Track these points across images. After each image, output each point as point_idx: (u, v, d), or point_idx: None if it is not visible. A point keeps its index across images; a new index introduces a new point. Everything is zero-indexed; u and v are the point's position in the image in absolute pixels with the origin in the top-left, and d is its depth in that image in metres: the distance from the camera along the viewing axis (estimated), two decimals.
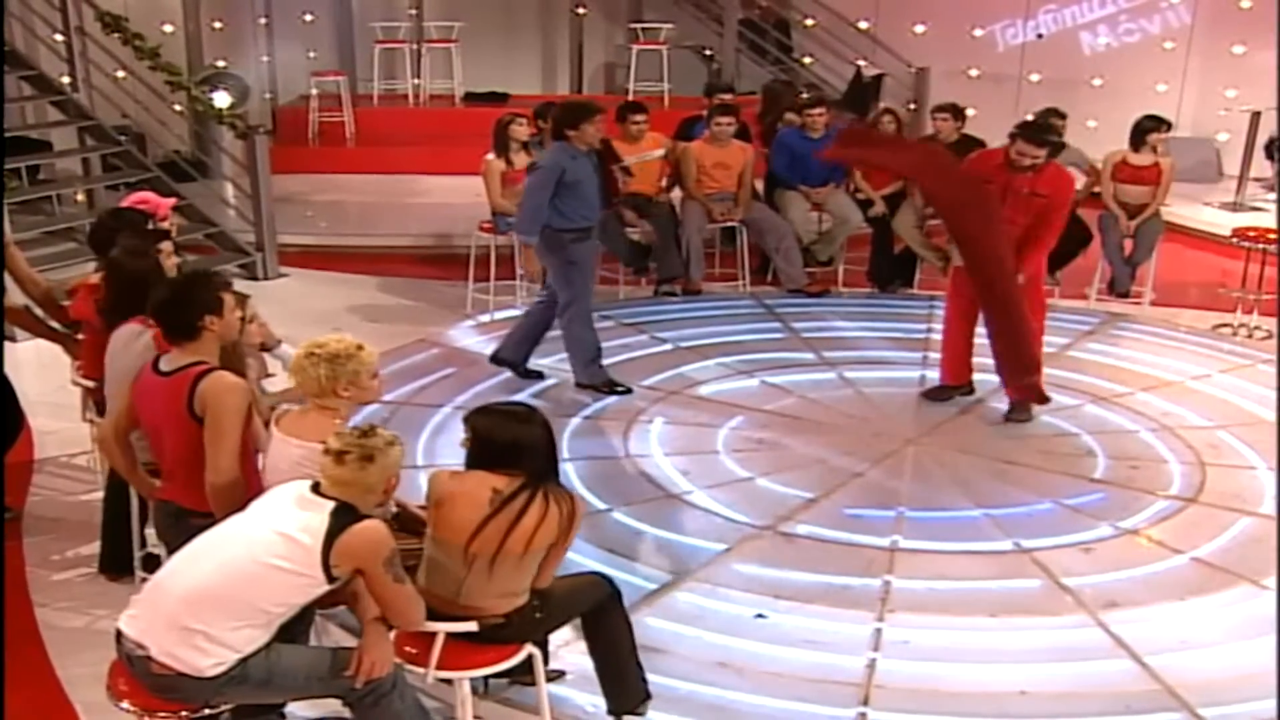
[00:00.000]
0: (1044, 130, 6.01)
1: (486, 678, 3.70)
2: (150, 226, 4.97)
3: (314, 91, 12.01)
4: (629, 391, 6.46)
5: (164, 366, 3.61)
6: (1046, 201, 5.93)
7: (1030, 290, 6.02)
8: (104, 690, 3.27)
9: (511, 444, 3.39)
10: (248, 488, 3.49)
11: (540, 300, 6.57)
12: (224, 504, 3.40)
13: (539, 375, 6.66)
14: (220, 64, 11.77)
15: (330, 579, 3.08)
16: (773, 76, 12.95)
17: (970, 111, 11.99)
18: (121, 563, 4.61)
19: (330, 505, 3.09)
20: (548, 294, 6.48)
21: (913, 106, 12.94)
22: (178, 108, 10.00)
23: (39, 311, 5.22)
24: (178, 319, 3.62)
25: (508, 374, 6.64)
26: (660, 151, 8.06)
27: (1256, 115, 10.64)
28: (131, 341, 4.09)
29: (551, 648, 3.97)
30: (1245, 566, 4.83)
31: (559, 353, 6.94)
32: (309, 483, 3.17)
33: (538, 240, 6.17)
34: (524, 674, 3.63)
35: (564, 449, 5.70)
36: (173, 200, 5.58)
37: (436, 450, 5.64)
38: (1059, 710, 3.96)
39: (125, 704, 3.17)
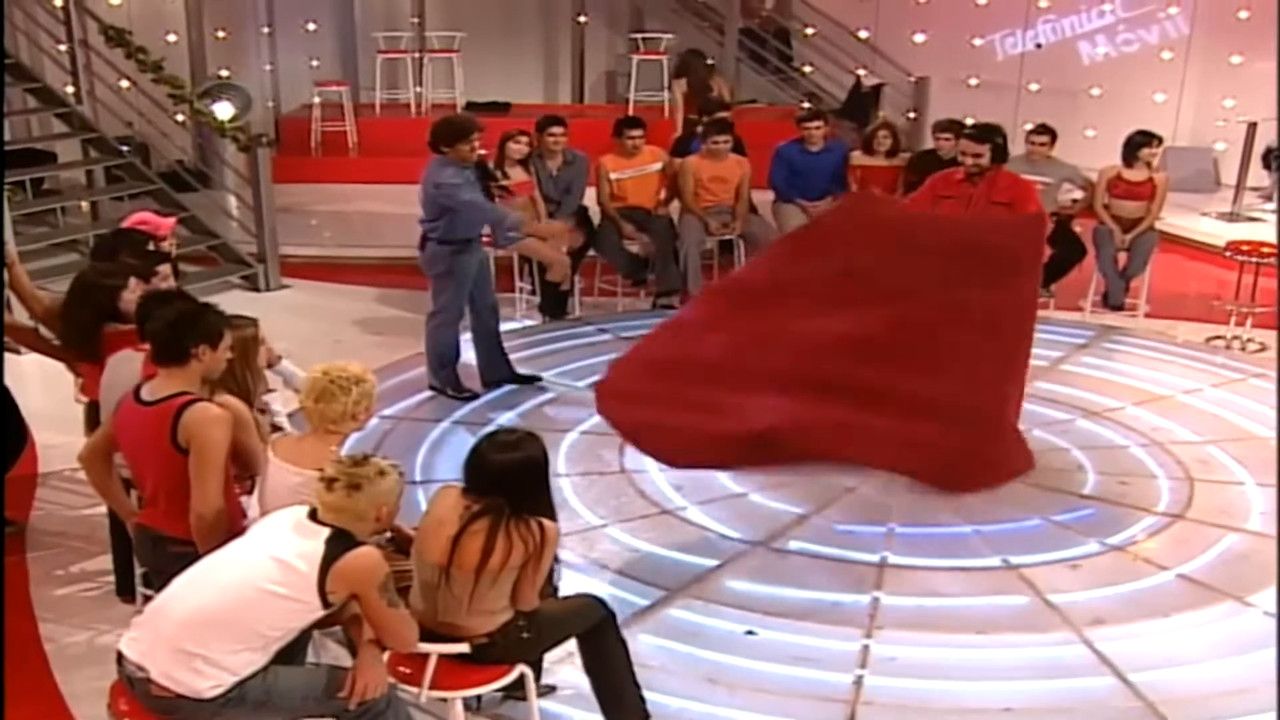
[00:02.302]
0: (986, 129, 6.01)
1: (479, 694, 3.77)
2: (151, 247, 5.05)
3: (316, 100, 12.09)
4: (475, 397, 6.60)
5: (145, 396, 3.64)
6: (1011, 206, 5.93)
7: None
8: (105, 707, 3.34)
9: (492, 470, 3.47)
10: (231, 518, 3.58)
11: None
12: (209, 535, 3.48)
13: (537, 379, 6.80)
14: (223, 73, 11.86)
15: (326, 604, 3.16)
16: (769, 82, 13.10)
17: (969, 120, 12.16)
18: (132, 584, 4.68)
19: (326, 532, 3.17)
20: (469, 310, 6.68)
21: (912, 115, 13.02)
22: (180, 117, 10.07)
23: (43, 329, 5.29)
24: (173, 341, 3.66)
25: (507, 388, 6.75)
26: (657, 165, 8.14)
27: (1253, 126, 10.70)
28: (123, 366, 4.15)
29: (546, 664, 4.04)
30: (1231, 583, 4.89)
31: (558, 366, 7.06)
32: (306, 509, 3.25)
33: (518, 219, 6.58)
34: (517, 690, 3.71)
35: (560, 464, 5.81)
36: (173, 221, 5.65)
37: (434, 466, 5.73)
38: None
39: None
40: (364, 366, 3.75)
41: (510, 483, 3.44)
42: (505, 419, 6.37)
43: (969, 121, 11.93)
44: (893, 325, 5.05)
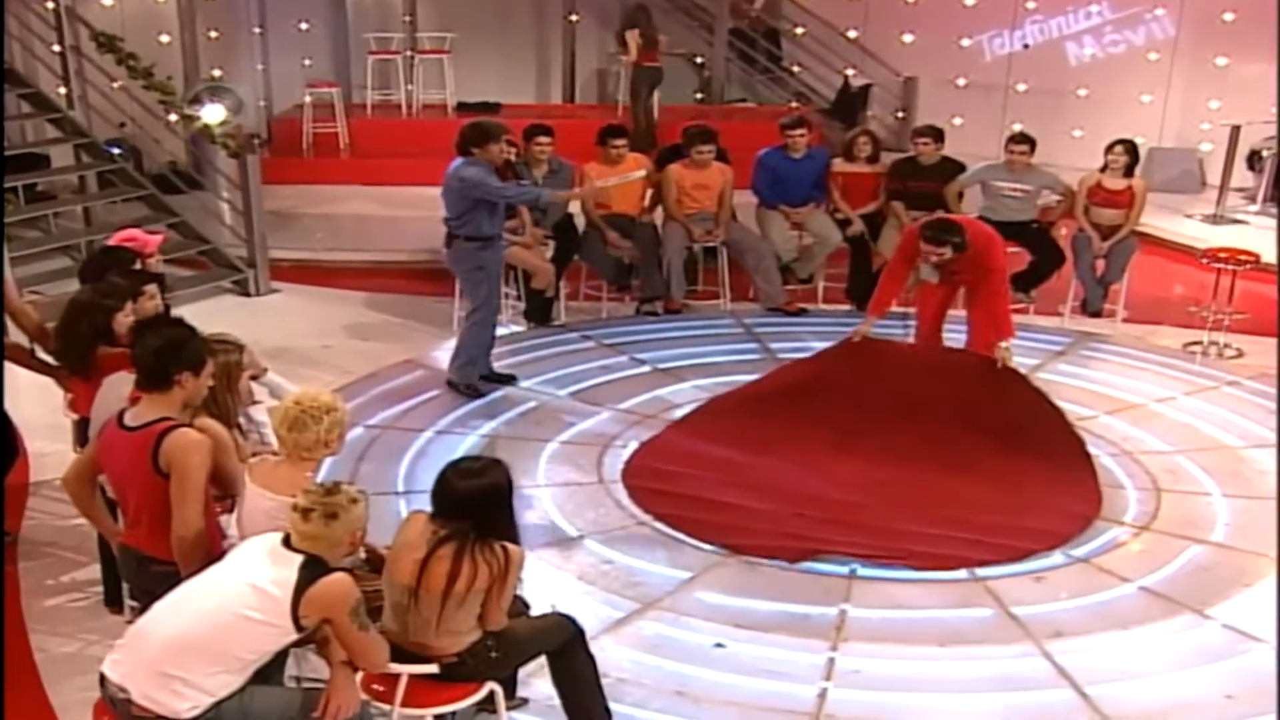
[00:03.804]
0: (942, 230, 6.18)
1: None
2: (138, 265, 5.15)
3: (307, 99, 12.15)
4: (480, 395, 6.80)
5: (129, 421, 3.76)
6: (976, 258, 6.24)
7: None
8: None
9: (457, 496, 3.60)
10: (211, 539, 3.70)
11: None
12: (189, 557, 3.61)
13: (512, 379, 6.97)
14: (216, 73, 11.94)
15: (299, 628, 3.29)
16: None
17: (957, 120, 12.29)
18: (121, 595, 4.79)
19: (299, 559, 3.29)
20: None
21: (901, 115, 13.13)
22: (173, 118, 10.15)
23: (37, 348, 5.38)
24: (157, 367, 3.78)
25: (489, 397, 6.86)
26: (641, 172, 8.23)
27: (1236, 129, 10.78)
28: (118, 387, 4.26)
29: (521, 675, 4.17)
30: (1190, 596, 5.01)
31: (541, 374, 7.17)
32: (280, 535, 3.38)
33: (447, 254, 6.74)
34: (490, 703, 3.84)
35: (539, 475, 5.94)
36: (160, 238, 5.75)
37: (416, 477, 5.81)
38: None
39: None
40: (335, 395, 3.87)
41: (475, 508, 3.56)
42: (489, 428, 6.49)
43: (956, 122, 12.15)
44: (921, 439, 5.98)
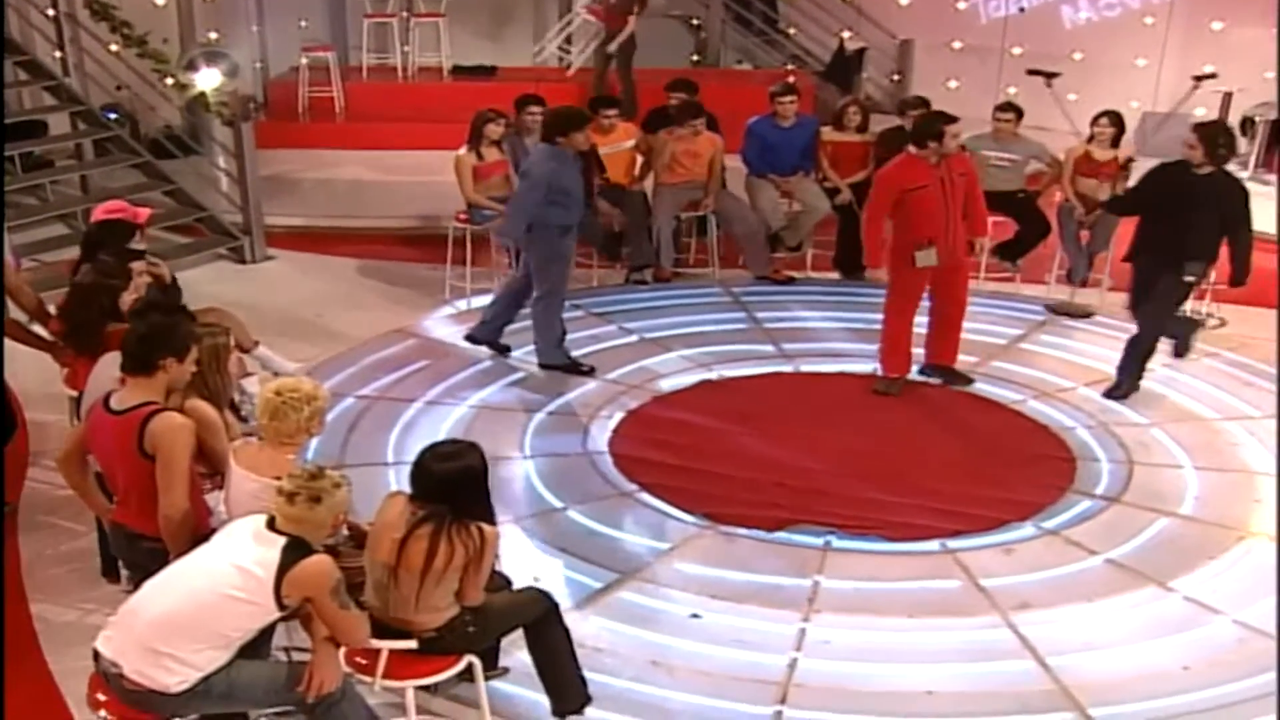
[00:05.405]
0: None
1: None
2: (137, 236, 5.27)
3: (304, 62, 12.15)
4: (592, 371, 6.87)
5: (114, 405, 3.88)
6: (969, 178, 6.73)
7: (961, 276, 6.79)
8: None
9: (433, 479, 3.73)
10: (197, 517, 3.85)
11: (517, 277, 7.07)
12: (176, 537, 3.75)
13: (506, 349, 7.09)
14: (213, 35, 11.92)
15: (282, 607, 3.44)
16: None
17: (952, 84, 12.29)
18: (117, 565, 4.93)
19: (283, 541, 3.44)
20: (523, 273, 6.97)
21: (897, 78, 13.12)
22: (169, 81, 10.18)
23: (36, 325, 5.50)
24: (141, 354, 3.90)
25: (479, 367, 7.00)
26: (631, 142, 8.31)
27: (1228, 96, 10.78)
28: (108, 368, 4.37)
29: (502, 645, 4.33)
30: (1154, 568, 5.15)
31: (532, 344, 7.26)
32: (265, 518, 3.52)
33: (524, 237, 6.75)
34: (470, 674, 4.00)
35: (525, 446, 6.08)
36: (149, 211, 5.83)
37: (406, 447, 5.91)
38: (960, 710, 4.30)
39: (103, 713, 3.54)
40: (315, 384, 3.98)
41: (451, 490, 3.71)
42: (477, 398, 6.62)
43: (951, 85, 12.15)
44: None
